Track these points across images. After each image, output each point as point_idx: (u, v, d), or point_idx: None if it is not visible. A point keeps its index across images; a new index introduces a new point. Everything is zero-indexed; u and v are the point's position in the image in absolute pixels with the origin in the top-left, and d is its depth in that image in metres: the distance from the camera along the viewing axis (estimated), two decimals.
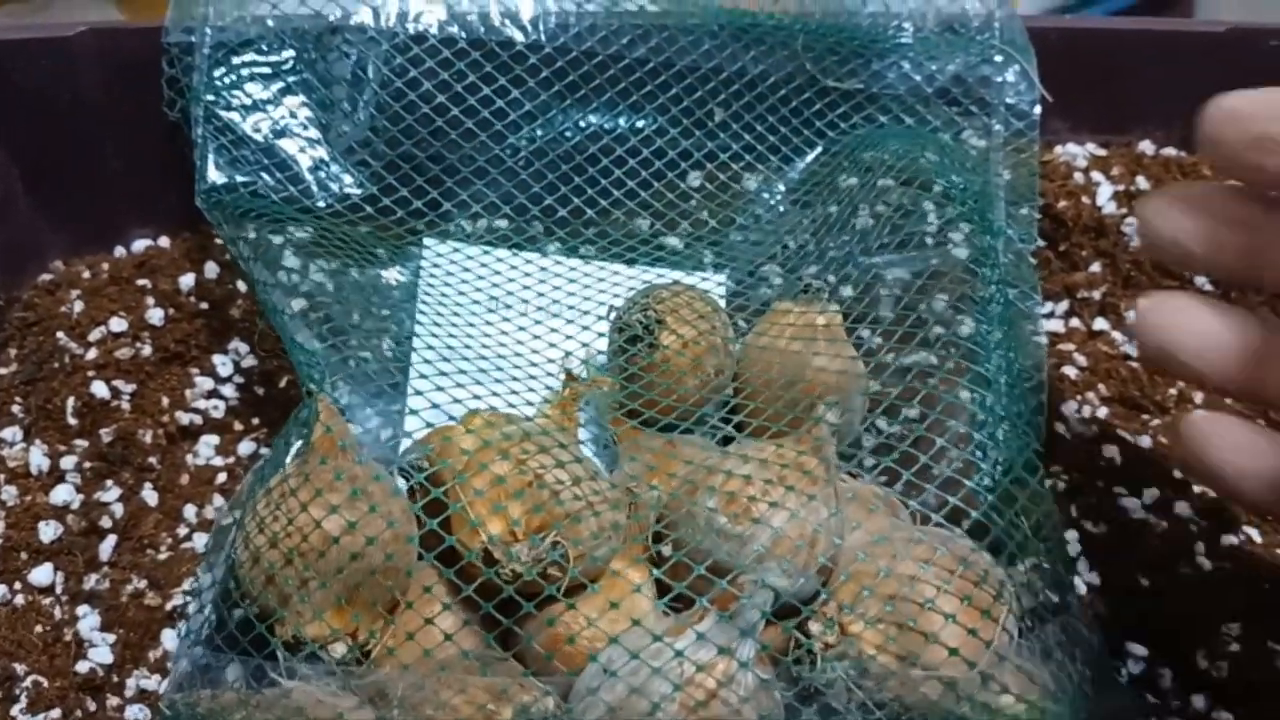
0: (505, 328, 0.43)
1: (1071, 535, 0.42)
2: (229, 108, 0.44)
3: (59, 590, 0.40)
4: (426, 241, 0.43)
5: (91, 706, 0.37)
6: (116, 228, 0.49)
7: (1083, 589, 0.41)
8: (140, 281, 0.46)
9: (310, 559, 0.32)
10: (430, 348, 0.41)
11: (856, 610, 0.31)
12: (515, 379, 0.41)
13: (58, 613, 0.39)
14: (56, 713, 0.37)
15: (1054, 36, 0.48)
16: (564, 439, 0.35)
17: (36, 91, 0.45)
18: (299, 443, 0.36)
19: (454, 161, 0.45)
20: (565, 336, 0.43)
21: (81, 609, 0.39)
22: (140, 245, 0.48)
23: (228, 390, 0.45)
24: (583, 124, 0.46)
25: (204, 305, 0.46)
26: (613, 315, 0.41)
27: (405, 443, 0.37)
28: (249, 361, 0.46)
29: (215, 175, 0.42)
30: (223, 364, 0.45)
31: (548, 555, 0.32)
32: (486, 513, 0.32)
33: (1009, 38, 0.46)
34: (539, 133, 0.46)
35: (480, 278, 0.44)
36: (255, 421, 0.45)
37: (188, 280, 0.46)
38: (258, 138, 0.44)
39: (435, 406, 0.37)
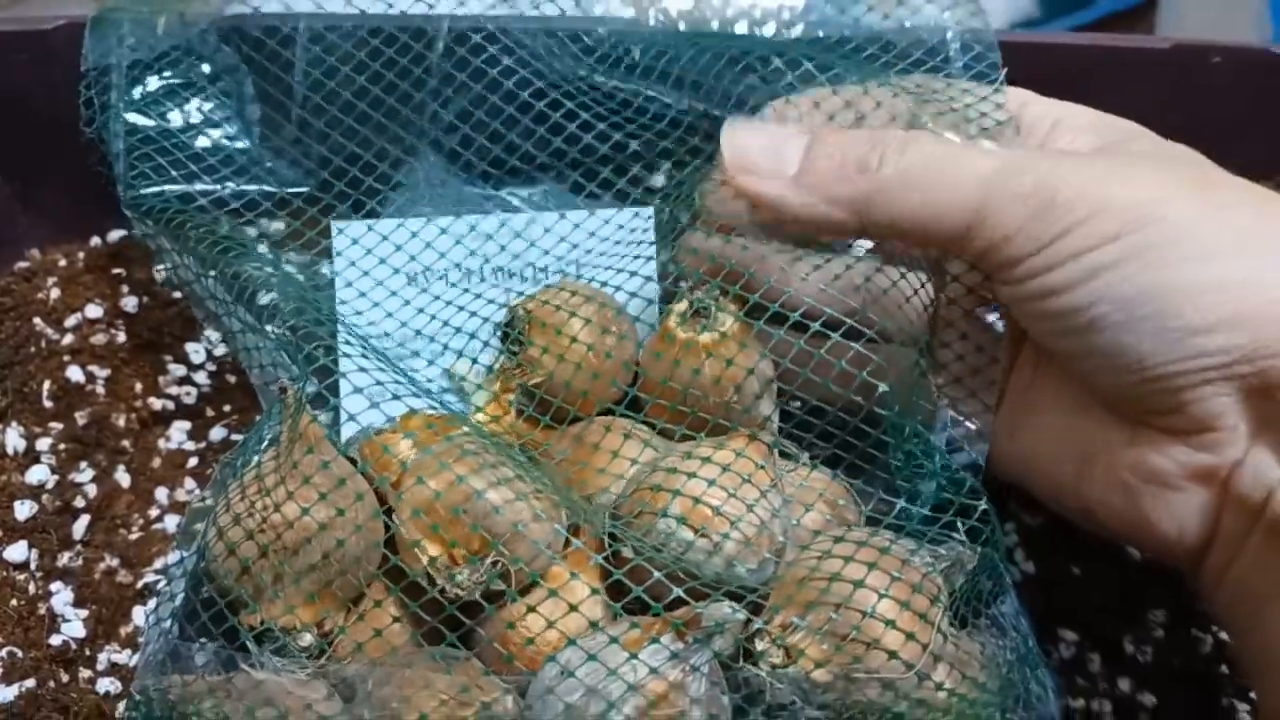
0: (424, 300, 0.42)
1: (1010, 527, 0.44)
2: (149, 118, 0.44)
3: (33, 566, 0.41)
4: (334, 226, 0.42)
5: (64, 678, 0.39)
6: (93, 219, 0.50)
7: (1019, 577, 0.43)
8: (115, 270, 0.48)
9: (283, 555, 0.33)
10: (355, 330, 0.41)
11: (802, 623, 0.32)
12: (446, 348, 0.41)
13: (32, 588, 0.40)
14: (31, 683, 0.38)
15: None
16: (500, 444, 0.36)
17: (14, 84, 0.46)
18: (269, 436, 0.37)
19: (385, 146, 0.45)
20: (489, 302, 0.42)
21: (55, 585, 0.41)
22: (116, 235, 0.49)
23: (200, 377, 0.46)
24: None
25: (177, 294, 0.47)
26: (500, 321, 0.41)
27: (345, 432, 0.37)
28: (221, 350, 0.47)
29: (140, 185, 0.43)
30: (195, 351, 0.47)
31: (488, 577, 0.33)
32: (425, 534, 0.33)
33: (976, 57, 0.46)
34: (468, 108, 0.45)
35: (397, 249, 0.43)
36: (227, 408, 0.46)
37: (161, 270, 0.47)
38: (181, 146, 0.44)
39: (372, 404, 0.37)
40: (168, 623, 0.36)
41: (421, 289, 0.42)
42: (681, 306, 0.37)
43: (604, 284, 0.42)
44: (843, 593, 0.32)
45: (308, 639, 0.34)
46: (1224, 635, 0.42)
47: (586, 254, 0.43)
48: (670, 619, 0.32)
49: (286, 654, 0.34)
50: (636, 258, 0.42)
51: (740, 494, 0.33)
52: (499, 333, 0.40)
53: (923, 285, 0.38)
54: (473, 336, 0.41)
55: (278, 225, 0.46)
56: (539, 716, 0.32)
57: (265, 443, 0.37)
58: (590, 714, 0.31)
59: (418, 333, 0.42)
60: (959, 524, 0.34)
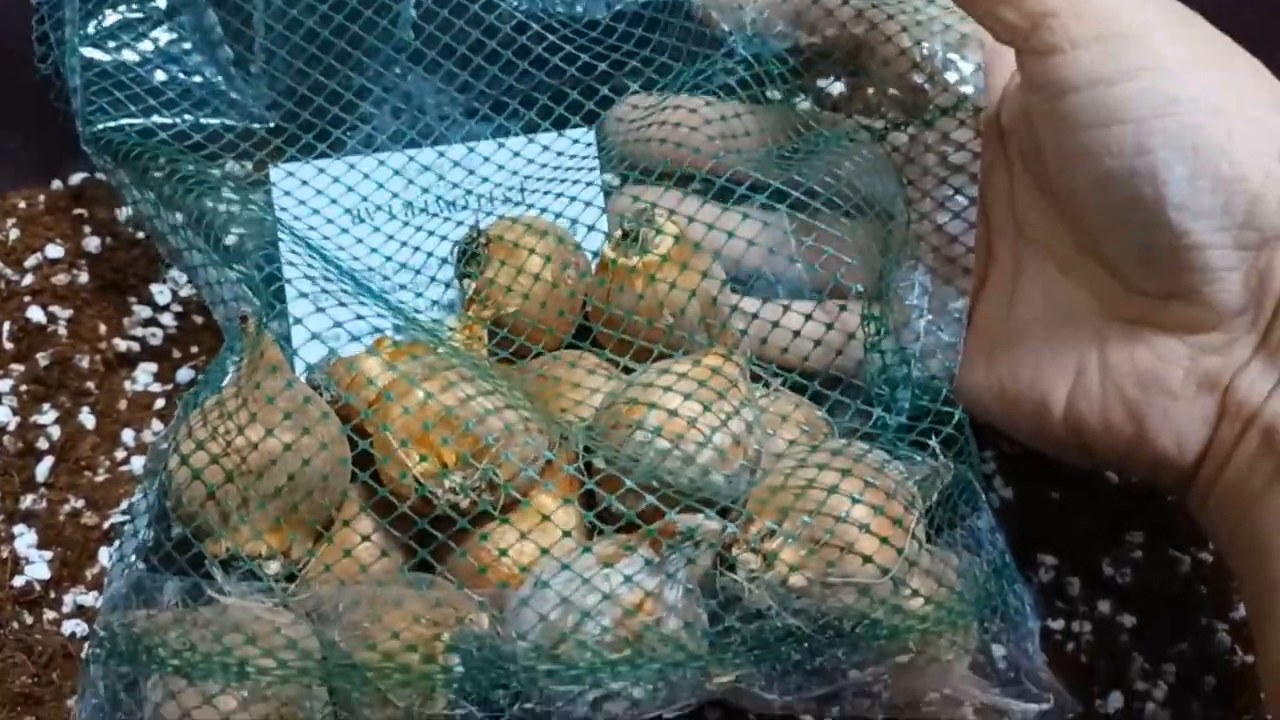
0: (367, 233, 0.42)
1: (988, 454, 0.43)
2: (106, 53, 0.43)
3: None
4: (273, 171, 0.42)
5: (29, 619, 0.38)
6: (53, 162, 0.49)
7: (997, 504, 0.43)
8: (77, 211, 0.47)
9: (249, 479, 0.32)
10: (305, 274, 0.39)
11: (777, 529, 0.32)
12: (400, 286, 0.41)
13: None
14: None
15: None
16: (477, 363, 0.35)
17: None
18: (232, 369, 0.37)
19: (349, 72, 0.44)
20: (429, 234, 0.42)
21: (18, 528, 0.40)
22: (78, 178, 0.48)
23: (166, 319, 0.46)
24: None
25: (141, 235, 0.46)
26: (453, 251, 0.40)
27: (299, 367, 0.37)
28: (187, 291, 0.46)
29: (99, 120, 0.42)
30: (160, 293, 0.46)
31: (481, 480, 0.33)
32: (413, 440, 0.32)
33: None
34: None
35: (338, 183, 0.42)
36: (194, 350, 0.45)
37: (125, 210, 0.47)
38: (139, 79, 0.43)
39: (315, 336, 0.37)
40: (132, 558, 0.35)
41: (364, 223, 0.42)
42: (618, 233, 0.38)
43: (548, 211, 0.41)
44: (818, 499, 0.32)
45: (275, 566, 0.33)
46: (1203, 555, 0.42)
47: (527, 180, 0.42)
48: (646, 530, 0.31)
49: (254, 581, 0.33)
50: (578, 183, 0.42)
51: (715, 408, 0.33)
52: (457, 263, 0.39)
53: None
54: (418, 272, 0.41)
55: (246, 165, 0.45)
56: (515, 630, 0.31)
57: (227, 376, 0.36)
58: (567, 625, 0.31)
59: (370, 269, 0.41)
60: (934, 434, 0.34)
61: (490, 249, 0.38)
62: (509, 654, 0.31)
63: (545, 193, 0.42)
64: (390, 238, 0.42)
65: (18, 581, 0.39)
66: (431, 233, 0.42)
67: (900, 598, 0.32)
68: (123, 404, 0.44)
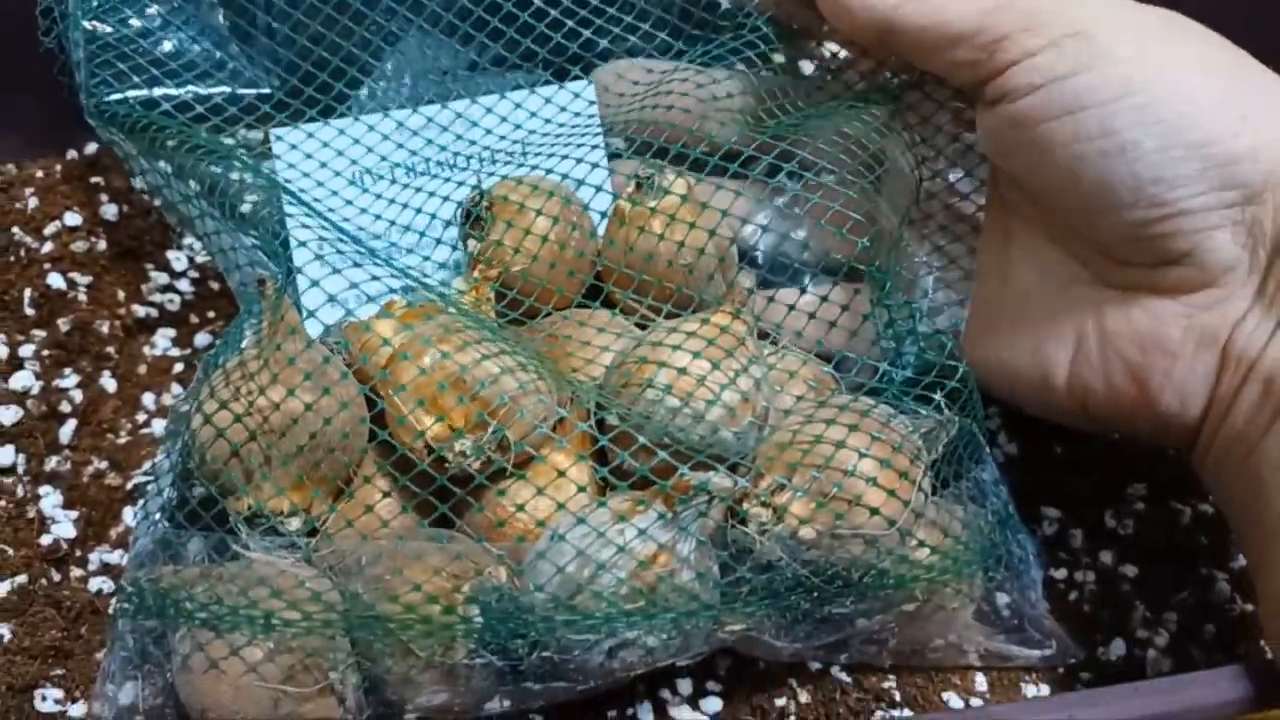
0: (369, 200, 0.42)
1: (992, 410, 0.44)
2: (108, 25, 0.43)
3: (21, 471, 0.41)
4: (273, 134, 0.42)
5: (56, 576, 0.39)
6: (68, 132, 0.49)
7: (1001, 459, 0.43)
8: (94, 179, 0.47)
9: (271, 438, 0.33)
10: (314, 237, 0.40)
11: (787, 483, 0.33)
12: (406, 250, 0.41)
13: (20, 491, 0.40)
14: (23, 579, 0.38)
15: None
16: (487, 323, 0.36)
17: None
18: (250, 333, 0.37)
19: (363, 33, 0.43)
20: (430, 195, 0.42)
21: (44, 489, 0.41)
22: (92, 148, 0.49)
23: (183, 285, 0.46)
24: None
25: (158, 202, 0.47)
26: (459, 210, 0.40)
27: (314, 329, 0.37)
28: (203, 258, 0.47)
29: (103, 93, 0.42)
30: (177, 259, 0.46)
31: (490, 443, 0.33)
32: (428, 400, 0.33)
33: None
34: None
35: (338, 153, 0.42)
36: (210, 315, 0.46)
37: (139, 180, 0.47)
38: (142, 50, 0.43)
39: (331, 299, 0.37)
40: (156, 516, 0.36)
41: (366, 190, 0.42)
42: (630, 186, 0.38)
43: (553, 172, 0.41)
44: (825, 453, 0.32)
45: (296, 522, 0.34)
46: (1204, 507, 0.43)
47: (530, 135, 0.42)
48: (659, 485, 0.32)
49: (276, 537, 0.34)
50: (582, 145, 0.42)
51: (724, 365, 0.34)
52: (461, 225, 0.39)
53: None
54: (422, 235, 0.41)
55: (258, 133, 0.46)
56: (533, 582, 0.32)
57: (246, 339, 0.37)
58: (583, 577, 0.31)
59: (376, 236, 0.41)
60: (939, 388, 0.35)
61: (494, 210, 0.39)
62: (527, 605, 0.32)
63: (550, 154, 0.42)
64: (392, 201, 0.42)
65: (45, 540, 0.40)
66: (433, 194, 0.42)
67: (907, 548, 0.33)
68: (142, 368, 0.44)
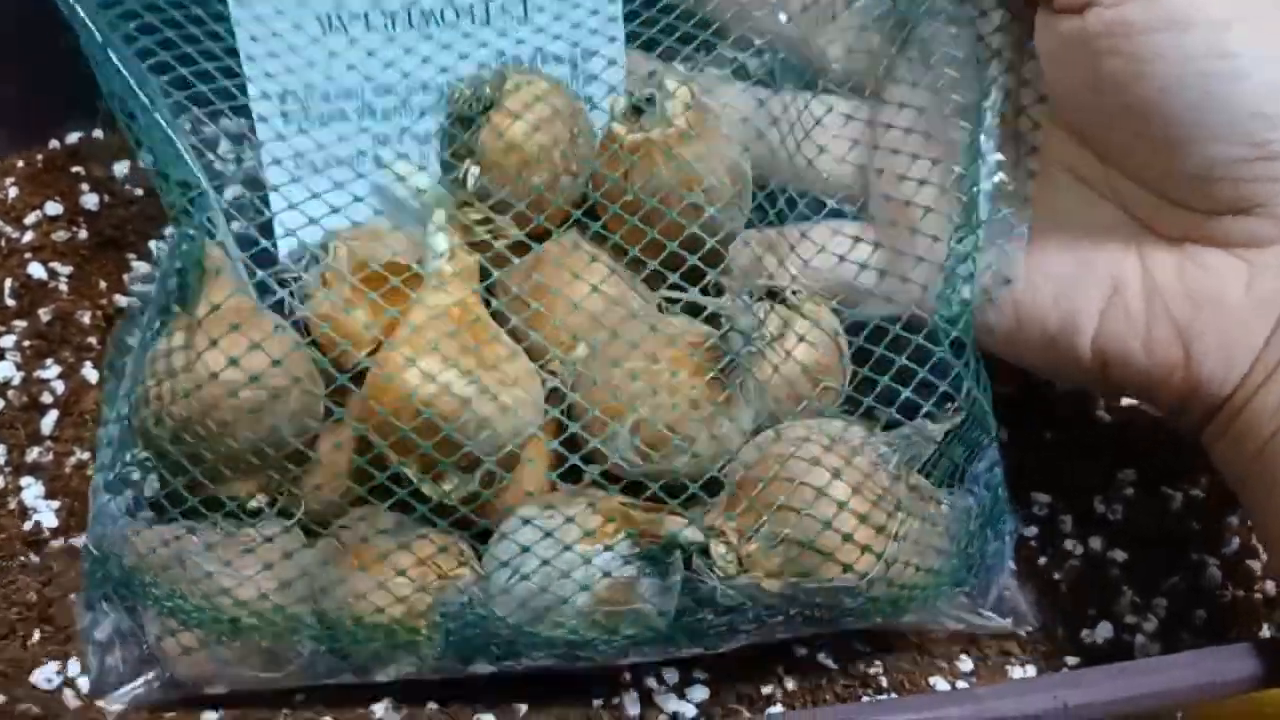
0: (341, 47, 0.36)
1: None
2: None
3: (2, 461, 0.41)
4: None
5: (36, 559, 0.39)
6: (49, 122, 0.49)
7: None
8: (75, 169, 0.47)
9: (218, 417, 0.31)
10: (269, 94, 0.35)
11: (756, 534, 0.31)
12: (380, 116, 0.36)
13: (1, 482, 0.40)
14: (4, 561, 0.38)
15: None
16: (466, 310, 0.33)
17: None
18: (174, 281, 0.34)
19: None
20: (406, 51, 0.36)
21: (25, 479, 0.41)
22: (74, 138, 0.49)
23: None
24: None
25: (139, 192, 0.47)
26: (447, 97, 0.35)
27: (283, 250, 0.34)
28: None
29: None
30: (159, 249, 0.46)
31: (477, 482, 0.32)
32: (402, 448, 0.31)
33: None
34: None
35: None
36: None
37: (122, 168, 0.47)
38: None
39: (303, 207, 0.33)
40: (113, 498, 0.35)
41: (337, 35, 0.36)
42: (620, 103, 0.34)
43: (561, 38, 0.36)
44: (801, 498, 0.31)
45: (254, 503, 0.33)
46: (1195, 492, 0.42)
47: None
48: (629, 516, 0.31)
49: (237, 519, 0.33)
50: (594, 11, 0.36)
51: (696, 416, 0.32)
52: (445, 138, 0.35)
53: None
54: (403, 102, 0.36)
55: None
56: (499, 609, 0.32)
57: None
58: (544, 606, 0.31)
59: (346, 92, 0.36)
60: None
61: (491, 122, 0.34)
62: (492, 628, 0.32)
63: (557, 16, 0.37)
64: (370, 54, 0.36)
65: (26, 526, 0.39)
66: (409, 49, 0.36)
67: (876, 589, 0.32)
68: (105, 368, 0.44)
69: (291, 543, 0.33)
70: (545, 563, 0.31)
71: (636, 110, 0.34)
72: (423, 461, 0.31)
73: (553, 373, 0.34)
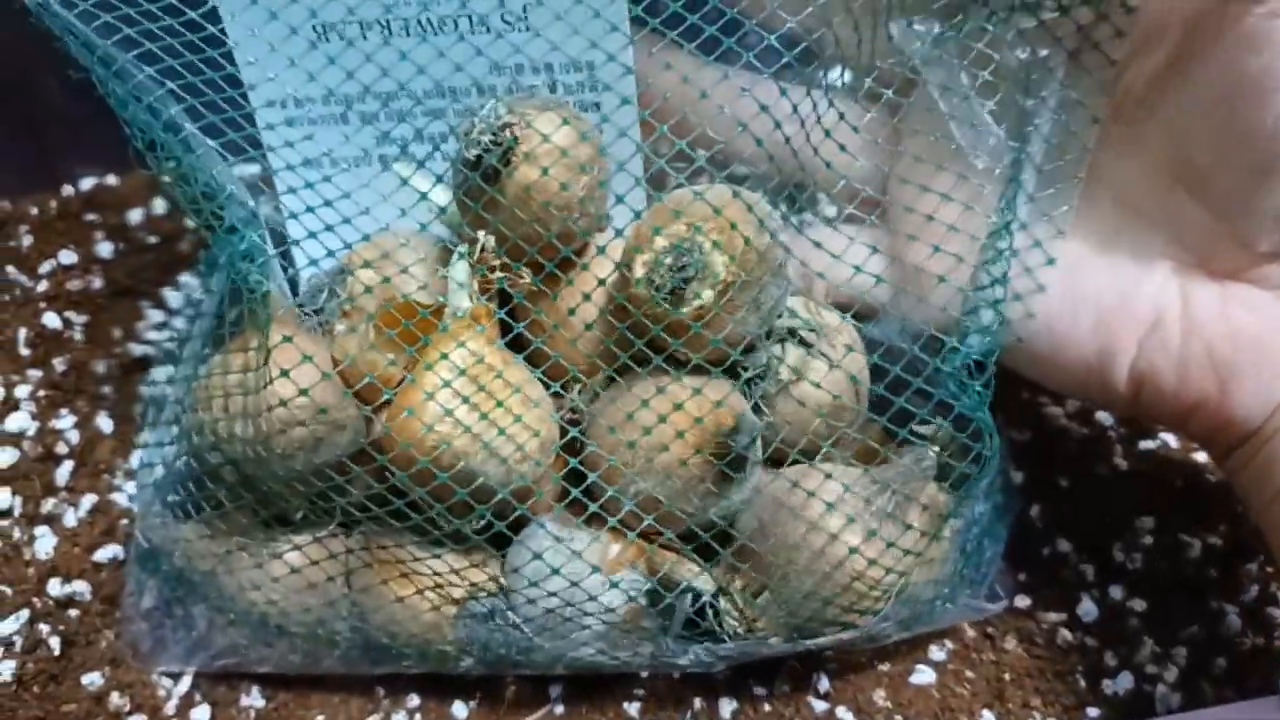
0: (337, 52, 0.34)
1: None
2: None
3: (17, 513, 0.41)
4: None
5: (53, 603, 0.39)
6: (63, 168, 0.49)
7: None
8: (89, 217, 0.47)
9: (273, 457, 0.32)
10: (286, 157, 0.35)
11: (761, 600, 0.32)
12: (377, 119, 0.35)
13: (16, 534, 0.40)
14: (25, 613, 0.38)
15: None
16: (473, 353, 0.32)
17: None
18: (223, 302, 0.35)
19: None
20: (403, 56, 0.34)
21: (39, 529, 0.40)
22: (88, 184, 0.49)
23: (179, 323, 0.46)
24: None
25: (153, 239, 0.47)
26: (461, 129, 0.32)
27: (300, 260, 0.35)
28: (200, 294, 0.46)
29: None
30: (173, 297, 0.46)
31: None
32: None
33: None
34: None
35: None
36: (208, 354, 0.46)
37: (136, 215, 0.47)
38: None
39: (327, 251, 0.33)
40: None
41: (340, 43, 0.34)
42: (643, 271, 0.30)
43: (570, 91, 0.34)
44: (806, 560, 0.31)
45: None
46: (1213, 540, 0.42)
47: None
48: (641, 550, 0.32)
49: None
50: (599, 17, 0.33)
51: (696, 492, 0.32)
52: (463, 168, 0.32)
53: None
54: (402, 117, 0.35)
55: None
56: (520, 617, 0.33)
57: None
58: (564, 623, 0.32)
59: (348, 99, 0.35)
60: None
61: (514, 176, 0.31)
62: (511, 639, 0.33)
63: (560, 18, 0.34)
64: (368, 58, 0.34)
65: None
66: (404, 54, 0.34)
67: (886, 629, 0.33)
68: (139, 408, 0.44)
69: (333, 566, 0.34)
70: (572, 583, 0.32)
71: (661, 290, 0.31)
72: (438, 492, 0.31)
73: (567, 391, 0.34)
